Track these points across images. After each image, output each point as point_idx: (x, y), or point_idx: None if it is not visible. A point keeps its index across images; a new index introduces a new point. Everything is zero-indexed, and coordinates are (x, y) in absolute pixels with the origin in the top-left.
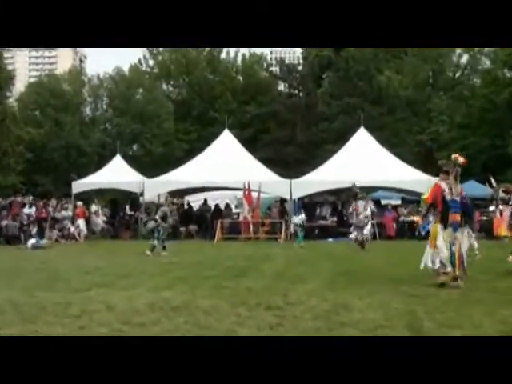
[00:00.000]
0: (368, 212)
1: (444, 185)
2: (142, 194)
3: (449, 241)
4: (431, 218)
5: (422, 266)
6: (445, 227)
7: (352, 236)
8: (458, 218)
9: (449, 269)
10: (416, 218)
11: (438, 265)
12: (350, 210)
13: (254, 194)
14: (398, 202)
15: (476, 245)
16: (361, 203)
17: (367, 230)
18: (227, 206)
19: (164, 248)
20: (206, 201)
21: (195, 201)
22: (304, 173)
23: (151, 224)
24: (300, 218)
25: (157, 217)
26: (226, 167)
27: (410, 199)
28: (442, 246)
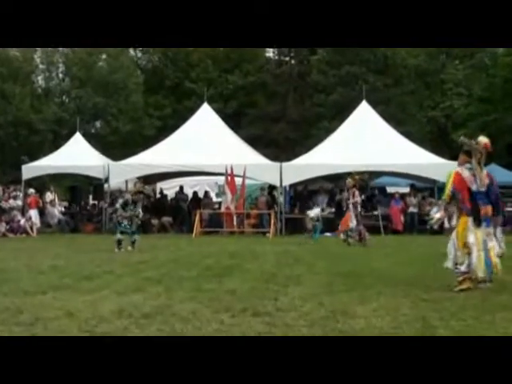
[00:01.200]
0: (356, 199)
1: (466, 172)
2: (106, 180)
3: (483, 239)
4: (435, 210)
5: (447, 265)
6: (476, 223)
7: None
8: (489, 210)
9: (480, 274)
10: (439, 215)
11: (463, 268)
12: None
13: (238, 180)
14: (407, 189)
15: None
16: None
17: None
18: (206, 194)
19: (133, 243)
20: (181, 188)
21: (169, 188)
22: (296, 155)
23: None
24: (316, 212)
25: (117, 205)
26: (205, 148)
27: (421, 186)
28: (474, 245)
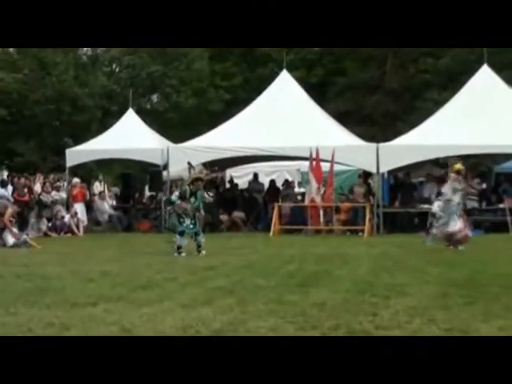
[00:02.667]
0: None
1: None
2: (165, 167)
3: None
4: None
5: None
6: None
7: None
8: None
9: None
10: None
11: None
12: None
13: (326, 166)
14: None
15: None
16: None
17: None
18: (287, 183)
19: (199, 247)
20: (256, 176)
21: (241, 176)
22: (397, 134)
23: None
24: (438, 206)
25: (173, 197)
26: (283, 127)
27: None
28: None
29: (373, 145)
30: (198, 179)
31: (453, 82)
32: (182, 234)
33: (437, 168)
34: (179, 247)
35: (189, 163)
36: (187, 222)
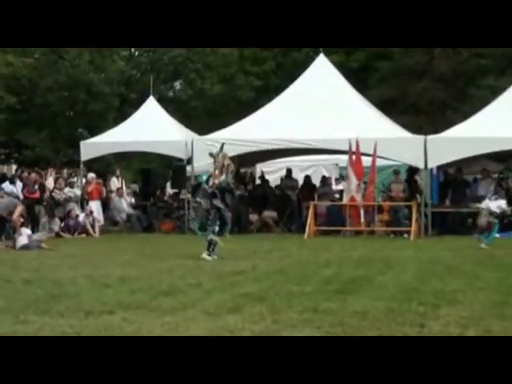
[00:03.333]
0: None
1: None
2: (189, 161)
3: None
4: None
5: None
6: None
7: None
8: None
9: None
10: None
11: None
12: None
13: (367, 161)
14: None
15: None
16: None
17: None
18: (324, 179)
19: (210, 245)
20: (289, 172)
21: (273, 172)
22: (447, 125)
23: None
24: (498, 205)
25: (198, 199)
26: (320, 116)
27: None
28: None
29: (420, 137)
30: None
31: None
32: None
33: (493, 163)
34: (211, 244)
35: (222, 145)
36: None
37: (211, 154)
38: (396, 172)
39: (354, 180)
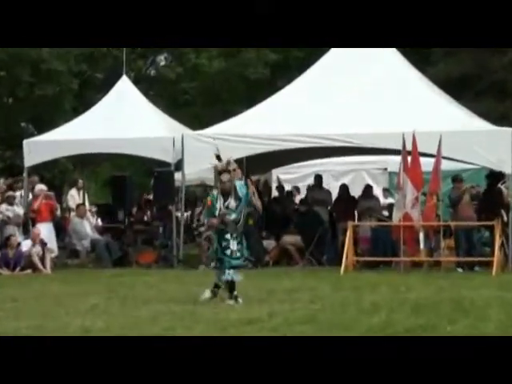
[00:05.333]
0: None
1: None
2: (178, 167)
3: None
4: None
5: None
6: None
7: None
8: None
9: None
10: None
11: None
12: None
13: (427, 163)
14: None
15: None
16: None
17: None
18: (367, 190)
19: (230, 287)
20: (318, 180)
21: (295, 179)
22: None
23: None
24: None
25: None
26: (361, 103)
27: None
28: None
29: (506, 130)
30: (224, 171)
31: None
32: (234, 266)
33: None
34: (231, 285)
35: (217, 154)
36: (233, 246)
37: (217, 168)
38: (456, 179)
39: (409, 191)
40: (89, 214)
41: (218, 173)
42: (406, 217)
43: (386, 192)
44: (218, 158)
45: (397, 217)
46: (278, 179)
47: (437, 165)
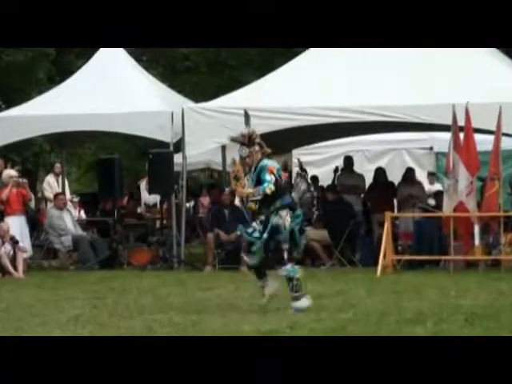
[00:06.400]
0: None
1: None
2: (178, 147)
3: None
4: None
5: None
6: None
7: None
8: None
9: None
10: None
11: None
12: None
13: (483, 142)
14: None
15: None
16: None
17: None
18: (409, 175)
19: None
20: (349, 162)
21: (319, 163)
22: None
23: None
24: None
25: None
26: (398, 69)
27: None
28: None
29: None
30: (250, 140)
31: None
32: (249, 250)
33: None
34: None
35: (246, 113)
36: (255, 226)
37: (235, 139)
38: None
39: (462, 175)
40: (70, 205)
41: (245, 138)
42: (460, 206)
43: (432, 176)
44: (247, 116)
45: (448, 206)
46: (300, 162)
47: (496, 144)
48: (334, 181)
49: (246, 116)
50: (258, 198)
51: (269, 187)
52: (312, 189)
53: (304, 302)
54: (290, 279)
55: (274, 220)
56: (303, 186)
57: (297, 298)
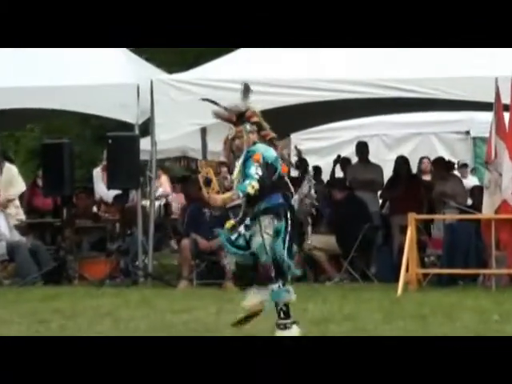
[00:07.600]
0: None
1: None
2: (146, 130)
3: None
4: None
5: None
6: None
7: None
8: None
9: None
10: None
11: None
12: None
13: None
14: None
15: None
16: None
17: None
18: (439, 165)
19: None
20: (363, 149)
21: (325, 151)
22: None
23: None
24: None
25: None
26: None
27: None
28: None
29: None
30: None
31: None
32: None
33: None
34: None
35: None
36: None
37: (218, 115)
38: None
39: (508, 167)
40: (9, 203)
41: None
42: (504, 207)
43: (465, 168)
44: (247, 89)
45: (489, 207)
46: (298, 150)
47: None
48: (332, 175)
49: (246, 90)
50: (239, 202)
51: (251, 185)
52: (313, 192)
53: (292, 333)
54: (275, 302)
55: (255, 242)
56: (304, 189)
57: (283, 326)
